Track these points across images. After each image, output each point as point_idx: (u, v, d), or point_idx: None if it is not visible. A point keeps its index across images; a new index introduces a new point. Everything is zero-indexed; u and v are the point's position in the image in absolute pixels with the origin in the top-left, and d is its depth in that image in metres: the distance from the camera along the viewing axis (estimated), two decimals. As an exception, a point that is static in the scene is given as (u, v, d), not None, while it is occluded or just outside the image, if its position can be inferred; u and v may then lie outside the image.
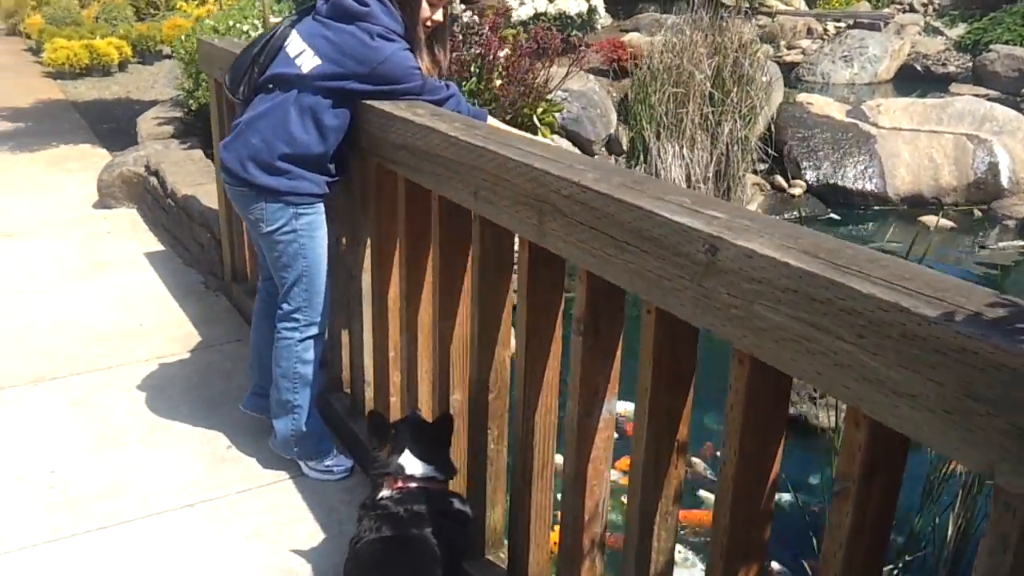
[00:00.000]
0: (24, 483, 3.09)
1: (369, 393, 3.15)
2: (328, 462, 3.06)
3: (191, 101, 6.50)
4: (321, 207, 2.84)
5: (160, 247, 5.47)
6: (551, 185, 1.85)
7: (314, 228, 2.81)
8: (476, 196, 2.15)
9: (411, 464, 2.34)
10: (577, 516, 2.04)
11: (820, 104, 8.15)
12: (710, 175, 6.65)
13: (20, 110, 9.44)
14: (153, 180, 5.81)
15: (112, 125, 8.78)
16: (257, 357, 3.17)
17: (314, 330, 2.91)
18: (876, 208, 7.69)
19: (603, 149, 7.82)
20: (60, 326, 4.31)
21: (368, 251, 2.96)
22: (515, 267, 2.23)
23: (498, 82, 7.19)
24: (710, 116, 6.57)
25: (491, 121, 2.88)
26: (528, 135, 2.92)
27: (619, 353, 1.94)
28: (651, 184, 1.73)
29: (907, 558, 2.88)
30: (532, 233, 1.95)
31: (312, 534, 2.82)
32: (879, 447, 1.30)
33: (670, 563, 1.85)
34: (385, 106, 2.59)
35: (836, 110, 8.16)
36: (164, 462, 3.20)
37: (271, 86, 2.76)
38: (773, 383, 1.45)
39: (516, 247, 2.20)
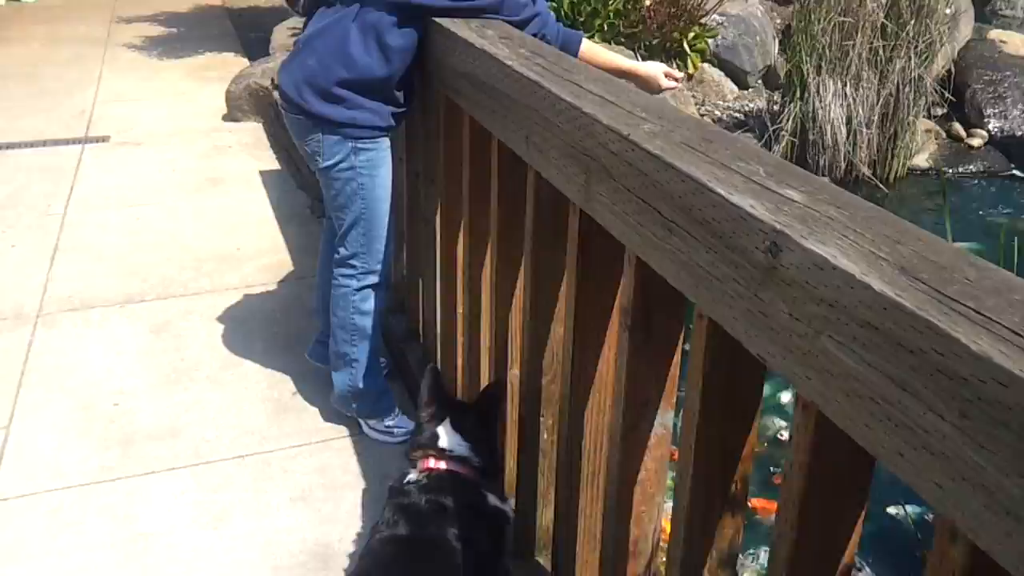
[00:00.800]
0: (87, 413, 2.98)
1: (439, 349, 2.85)
2: (389, 422, 2.78)
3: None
4: (385, 142, 2.50)
5: (276, 166, 5.28)
6: (599, 136, 1.44)
7: (375, 165, 2.48)
8: (528, 142, 1.76)
9: (447, 436, 2.04)
10: (620, 547, 1.67)
11: (1016, 42, 7.15)
12: (875, 117, 5.90)
13: (176, 15, 9.48)
14: (277, 94, 5.62)
15: (261, 34, 8.70)
16: (322, 300, 2.90)
17: (373, 279, 2.61)
18: (1071, 169, 6.74)
19: (759, 82, 7.17)
20: (161, 244, 4.21)
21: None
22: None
23: (647, 1, 6.64)
24: (880, 51, 5.79)
25: (586, 47, 2.46)
26: (616, 59, 2.49)
27: (678, 355, 1.54)
28: (724, 145, 1.30)
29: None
30: (579, 195, 1.56)
31: (358, 504, 2.56)
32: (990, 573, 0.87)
33: (718, 626, 1.47)
34: (451, 25, 2.21)
35: (1034, 50, 7.18)
36: (227, 404, 3.01)
37: (332, -1, 2.43)
38: (852, 443, 1.03)
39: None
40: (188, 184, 4.96)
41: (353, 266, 2.58)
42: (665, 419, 1.59)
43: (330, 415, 2.92)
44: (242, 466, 2.72)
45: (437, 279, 2.75)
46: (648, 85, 2.56)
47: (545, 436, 2.08)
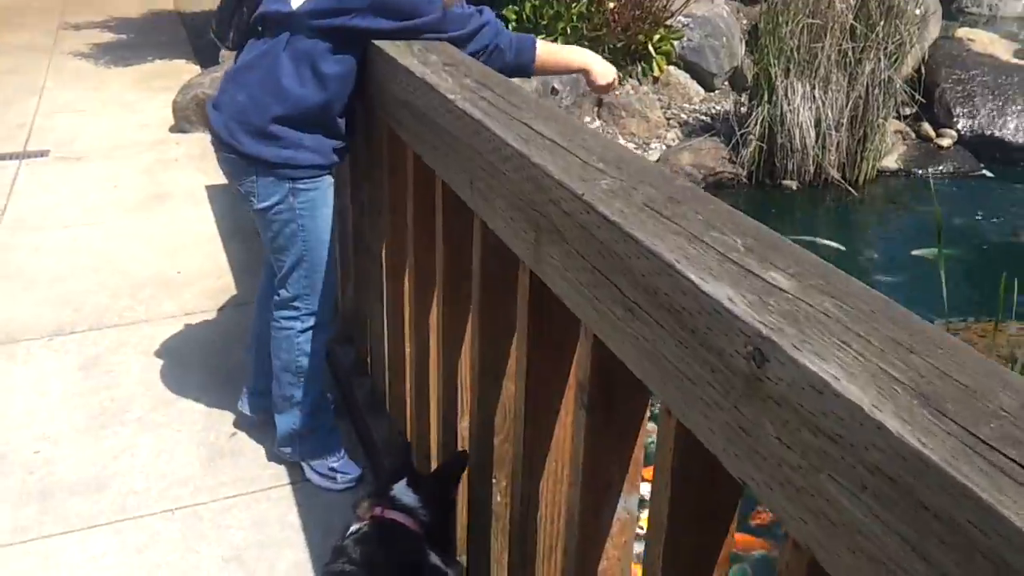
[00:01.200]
0: (3, 464, 2.73)
1: (388, 386, 2.65)
2: (333, 463, 2.57)
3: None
4: (326, 180, 2.29)
5: (223, 179, 5.05)
6: (550, 192, 1.24)
7: (315, 206, 2.27)
8: (472, 187, 1.56)
9: (398, 487, 1.92)
10: (580, 643, 1.48)
11: (983, 41, 7.05)
12: (844, 120, 5.75)
13: (127, 21, 9.15)
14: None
15: (213, 39, 8.41)
16: (257, 345, 2.66)
17: (317, 319, 2.40)
18: (1040, 166, 6.64)
19: (726, 84, 7.02)
20: (98, 268, 3.96)
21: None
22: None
23: (611, 4, 6.46)
24: (849, 53, 5.65)
25: (542, 51, 2.24)
26: (570, 59, 2.31)
27: (642, 433, 1.35)
28: (694, 208, 1.11)
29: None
30: (528, 254, 1.36)
31: (298, 564, 2.35)
32: None
33: None
34: (391, 49, 2.00)
35: (1002, 49, 7.05)
36: (158, 449, 2.78)
37: (260, 29, 2.21)
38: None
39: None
40: (130, 201, 4.70)
41: (296, 308, 2.37)
42: (629, 503, 1.40)
43: (269, 459, 2.71)
44: (171, 521, 2.50)
45: (384, 314, 2.55)
46: (602, 80, 2.35)
47: (499, 498, 1.89)
